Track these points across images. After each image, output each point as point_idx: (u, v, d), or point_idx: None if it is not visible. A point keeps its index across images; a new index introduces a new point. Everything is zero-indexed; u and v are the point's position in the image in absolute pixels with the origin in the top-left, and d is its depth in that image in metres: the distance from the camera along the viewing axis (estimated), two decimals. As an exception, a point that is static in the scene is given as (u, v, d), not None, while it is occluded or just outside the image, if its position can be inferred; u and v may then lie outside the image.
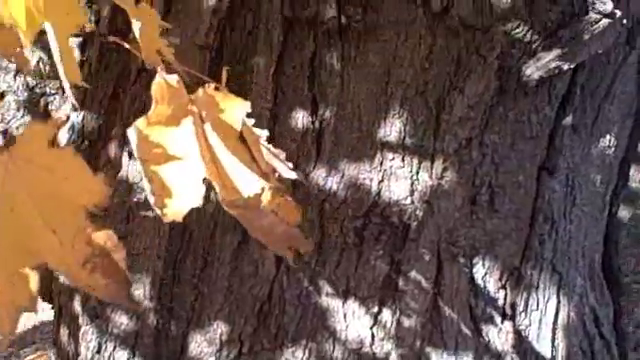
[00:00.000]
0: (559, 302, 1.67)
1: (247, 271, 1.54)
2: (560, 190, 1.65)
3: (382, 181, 1.51)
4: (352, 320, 1.54)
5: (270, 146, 0.86)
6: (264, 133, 0.85)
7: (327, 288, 1.54)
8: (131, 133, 0.63)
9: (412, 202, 1.51)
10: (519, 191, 1.59)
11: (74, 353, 1.62)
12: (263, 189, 0.70)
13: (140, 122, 0.66)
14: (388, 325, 1.54)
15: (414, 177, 1.51)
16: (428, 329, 1.55)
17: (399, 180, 1.51)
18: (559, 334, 1.66)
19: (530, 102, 1.55)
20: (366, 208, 1.52)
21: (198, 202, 0.64)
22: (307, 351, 1.54)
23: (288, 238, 0.78)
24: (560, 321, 1.67)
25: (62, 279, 1.70)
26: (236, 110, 0.76)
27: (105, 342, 1.58)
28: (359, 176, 1.52)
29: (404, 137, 1.50)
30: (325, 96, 1.51)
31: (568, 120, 1.61)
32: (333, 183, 1.51)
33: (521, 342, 1.61)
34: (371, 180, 1.51)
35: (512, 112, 1.54)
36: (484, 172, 1.54)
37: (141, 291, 1.56)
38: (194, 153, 0.68)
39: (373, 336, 1.54)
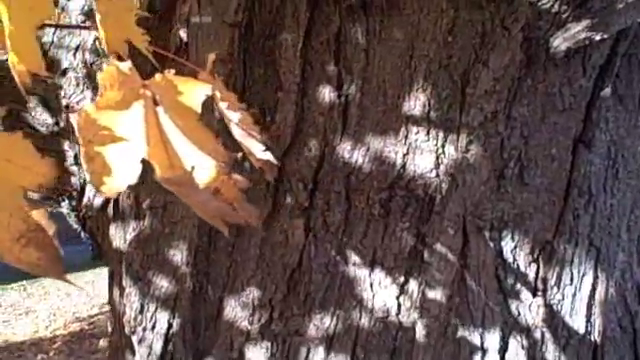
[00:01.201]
0: (596, 277, 1.63)
1: (277, 240, 1.61)
2: (600, 163, 1.61)
3: (407, 154, 1.53)
4: (379, 289, 1.57)
5: (245, 127, 0.91)
6: (236, 116, 0.90)
7: (354, 258, 1.58)
8: (73, 118, 0.70)
9: (437, 175, 1.52)
10: (552, 164, 1.56)
11: (123, 312, 1.74)
12: (195, 167, 0.75)
13: (89, 107, 0.73)
14: (414, 296, 1.56)
15: (439, 150, 1.51)
16: (454, 301, 1.57)
17: (424, 153, 1.52)
18: (595, 310, 1.63)
19: (561, 74, 1.51)
20: (391, 180, 1.53)
21: (134, 180, 0.70)
22: (335, 318, 1.59)
23: (221, 213, 0.83)
24: (597, 297, 1.63)
25: (114, 243, 1.82)
26: (195, 93, 0.81)
27: (147, 303, 1.69)
28: (384, 149, 1.54)
29: (429, 111, 1.50)
30: (351, 71, 1.54)
31: (607, 92, 1.56)
32: (359, 156, 1.54)
33: (553, 317, 1.59)
34: (396, 153, 1.53)
35: (542, 84, 1.51)
36: (512, 145, 1.53)
37: (179, 257, 1.65)
38: (139, 134, 0.74)
39: (399, 306, 1.56)
